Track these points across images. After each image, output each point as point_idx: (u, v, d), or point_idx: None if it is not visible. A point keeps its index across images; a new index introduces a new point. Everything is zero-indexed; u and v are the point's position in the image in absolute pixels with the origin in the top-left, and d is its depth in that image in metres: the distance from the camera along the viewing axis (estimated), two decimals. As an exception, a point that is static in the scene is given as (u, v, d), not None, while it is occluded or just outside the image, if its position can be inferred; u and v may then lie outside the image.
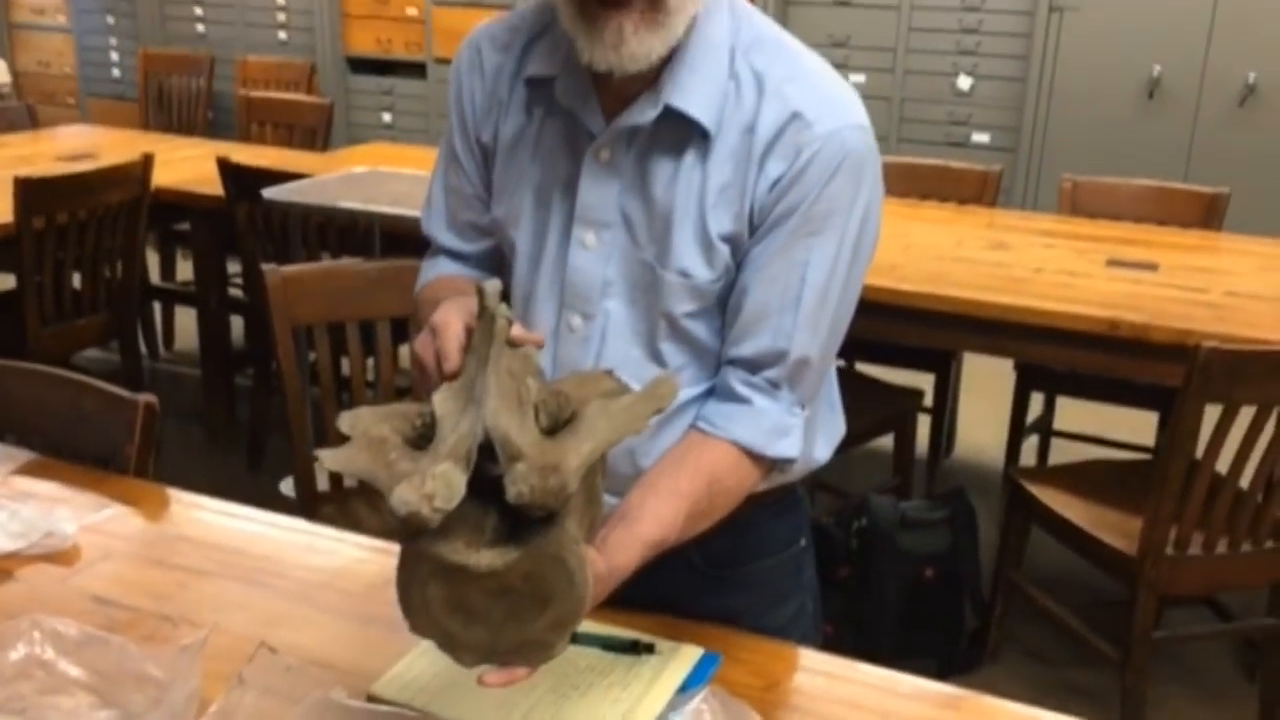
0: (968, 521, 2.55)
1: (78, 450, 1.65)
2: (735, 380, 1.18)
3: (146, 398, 1.61)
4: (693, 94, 1.13)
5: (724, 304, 1.19)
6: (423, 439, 0.92)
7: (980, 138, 4.48)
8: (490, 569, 0.87)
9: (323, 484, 2.30)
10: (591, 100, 1.17)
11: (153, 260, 4.31)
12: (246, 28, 5.67)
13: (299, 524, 1.49)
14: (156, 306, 4.34)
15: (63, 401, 1.68)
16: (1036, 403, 3.38)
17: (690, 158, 1.15)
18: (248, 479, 3.42)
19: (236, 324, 3.86)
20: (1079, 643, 2.41)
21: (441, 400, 0.93)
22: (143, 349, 3.93)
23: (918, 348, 3.25)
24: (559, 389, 0.97)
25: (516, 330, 0.97)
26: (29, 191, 2.91)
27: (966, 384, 3.70)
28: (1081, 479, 2.48)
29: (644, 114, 1.14)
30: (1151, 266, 2.74)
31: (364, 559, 1.40)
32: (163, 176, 3.35)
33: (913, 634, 2.49)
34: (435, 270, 1.36)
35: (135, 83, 5.79)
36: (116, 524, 1.47)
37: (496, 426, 0.88)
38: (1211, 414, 2.05)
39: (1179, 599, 2.53)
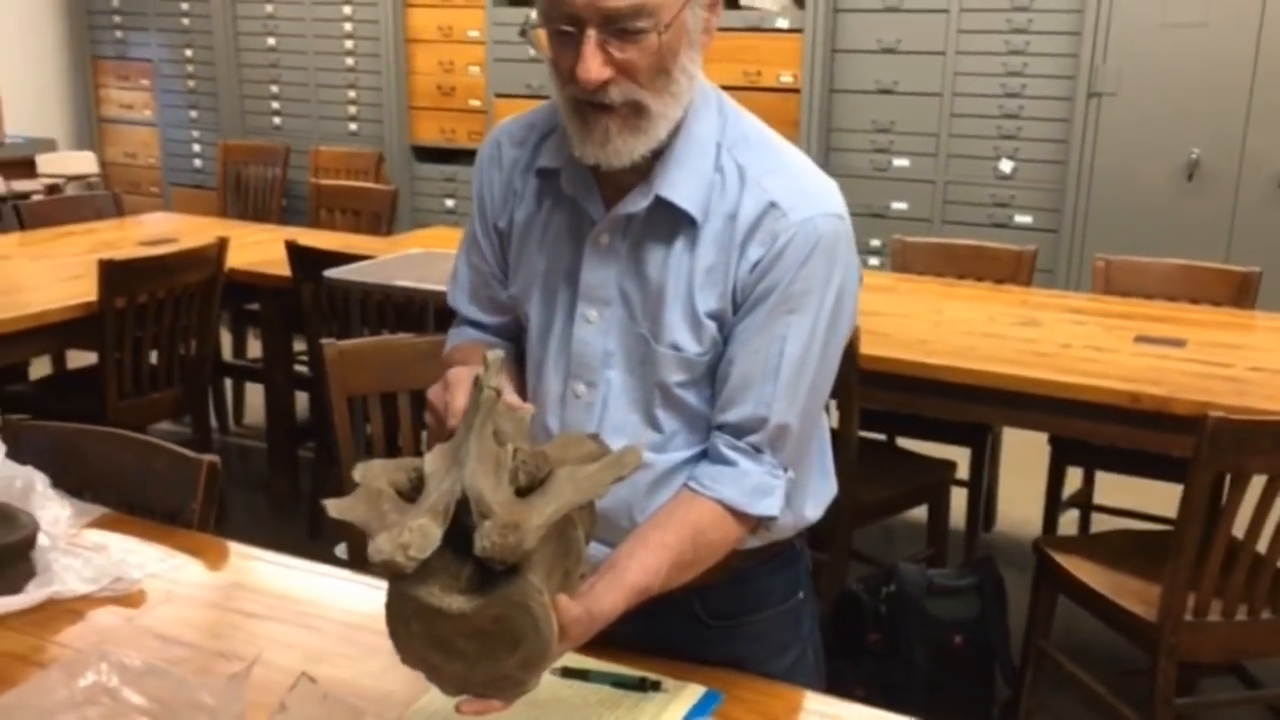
0: (996, 589, 2.60)
1: (148, 506, 1.80)
2: (722, 444, 1.30)
3: (210, 458, 1.76)
4: (680, 186, 1.27)
5: (713, 375, 1.31)
6: (415, 492, 1.06)
7: (1023, 219, 4.57)
8: (461, 612, 1.00)
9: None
10: (593, 190, 1.31)
11: (226, 339, 4.54)
12: (320, 120, 5.97)
13: (343, 572, 1.62)
14: (228, 382, 4.55)
15: (135, 461, 1.84)
16: (1077, 478, 3.43)
17: (680, 243, 1.29)
18: (308, 545, 3.57)
19: (302, 399, 4.05)
20: (1109, 712, 2.44)
21: (431, 459, 1.07)
22: (214, 423, 4.13)
23: (955, 423, 3.34)
24: (542, 451, 1.09)
25: (510, 397, 1.09)
26: (112, 273, 3.12)
27: (1008, 461, 3.75)
28: (1106, 548, 2.54)
29: (637, 203, 1.28)
30: (1179, 343, 2.80)
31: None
32: (236, 259, 3.56)
33: (943, 699, 2.54)
34: (461, 337, 1.50)
35: (215, 172, 6.11)
36: (179, 571, 1.61)
37: (473, 486, 1.01)
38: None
39: (1202, 666, 2.55)
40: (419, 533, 0.98)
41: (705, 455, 1.33)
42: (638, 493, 1.33)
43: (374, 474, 1.08)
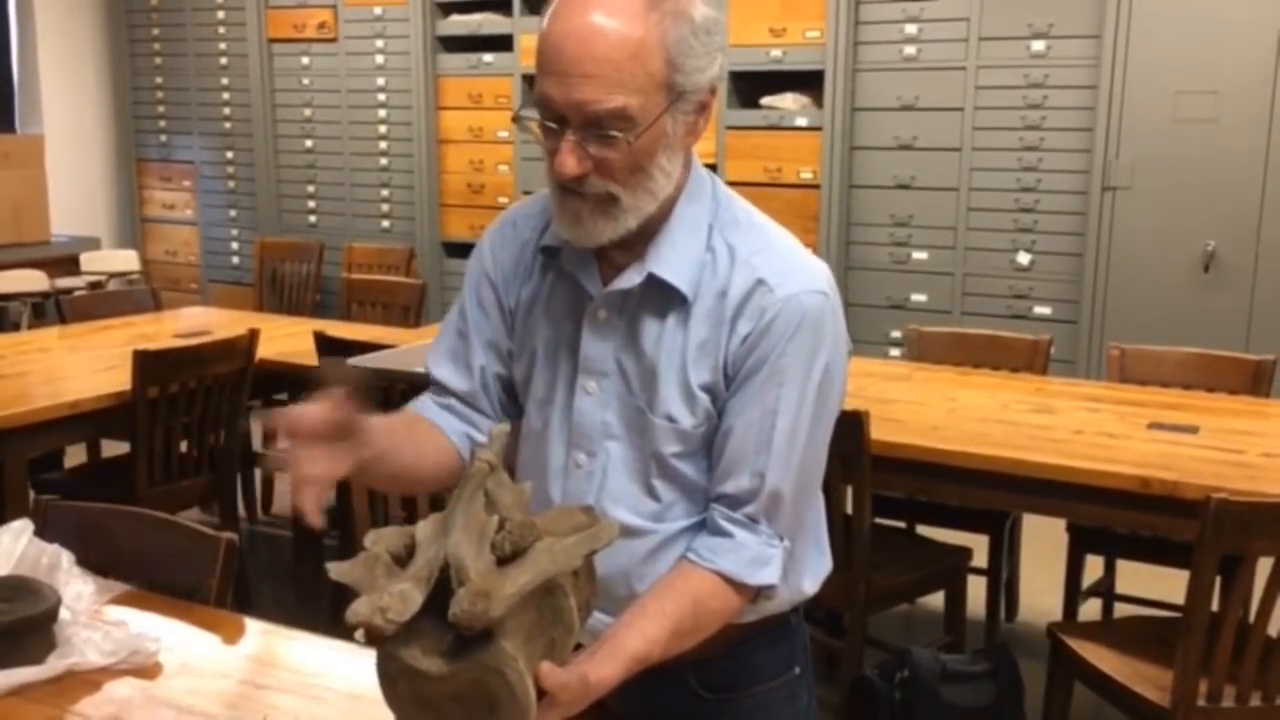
0: (1011, 675, 2.59)
1: (168, 583, 1.86)
2: (719, 516, 1.35)
3: (228, 535, 1.82)
4: (673, 264, 1.34)
5: (709, 448, 1.36)
6: (409, 558, 1.11)
7: (1042, 310, 4.62)
8: (439, 674, 1.06)
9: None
10: (591, 268, 1.38)
11: (256, 429, 4.61)
12: (354, 218, 6.15)
13: (351, 646, 1.66)
14: (257, 472, 4.62)
15: (157, 540, 1.90)
16: (1100, 567, 3.42)
17: (673, 319, 1.35)
18: (331, 631, 3.59)
19: (328, 488, 4.10)
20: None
21: (424, 528, 1.13)
22: (242, 511, 4.19)
23: (975, 511, 3.35)
24: (531, 522, 1.13)
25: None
26: (146, 363, 3.22)
27: (1032, 551, 3.74)
28: (1122, 633, 2.53)
29: (631, 280, 1.35)
30: (1192, 429, 2.82)
31: (406, 677, 1.55)
32: (267, 350, 3.65)
33: (960, 789, 2.52)
34: (414, 407, 1.50)
35: (252, 269, 6.28)
36: (194, 644, 1.66)
37: (454, 554, 1.06)
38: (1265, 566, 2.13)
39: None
40: (399, 597, 1.04)
41: (704, 525, 1.37)
42: (636, 560, 1.38)
43: (384, 540, 1.13)
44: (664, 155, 1.29)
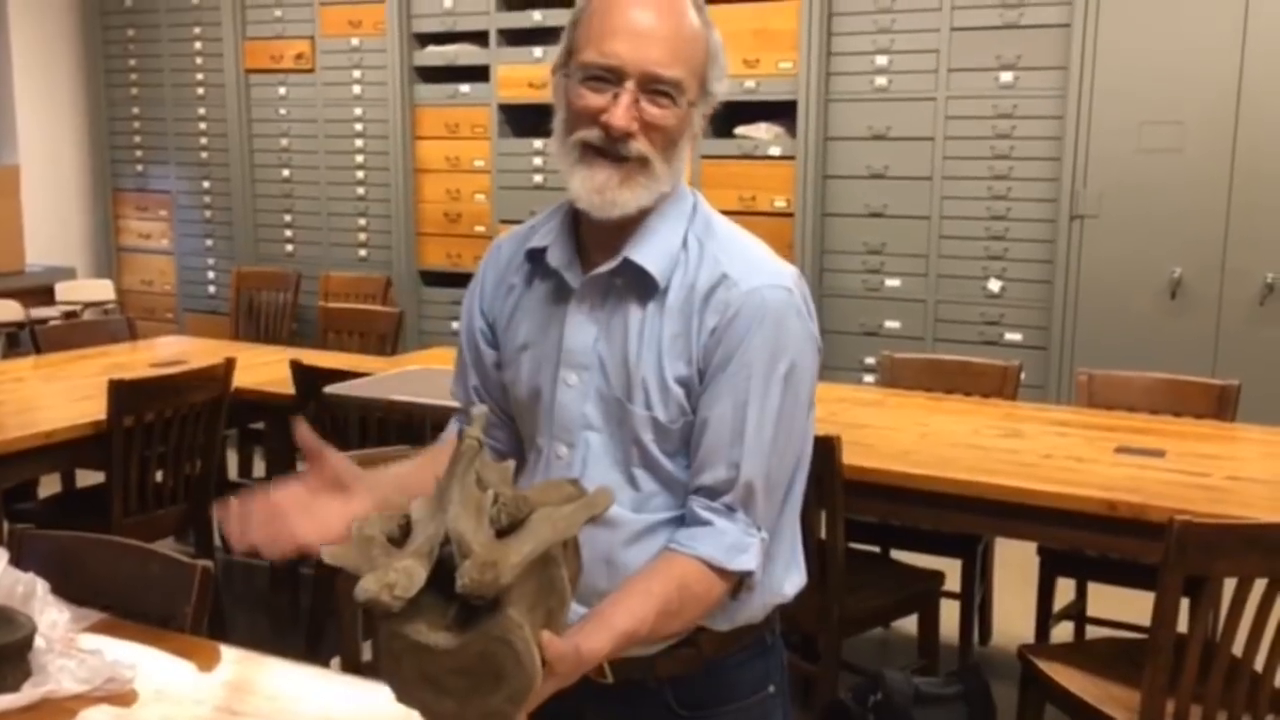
0: (983, 697, 2.62)
1: (144, 611, 1.87)
2: (698, 506, 1.39)
3: (204, 563, 1.83)
4: (647, 252, 1.40)
5: (687, 443, 1.41)
6: (404, 539, 1.13)
7: (1013, 336, 4.67)
8: (447, 648, 1.07)
9: (366, 655, 2.47)
10: (575, 263, 1.44)
11: (232, 459, 4.61)
12: (331, 247, 6.16)
13: (325, 672, 1.68)
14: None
15: (132, 568, 1.91)
16: (1072, 591, 3.46)
17: (650, 310, 1.41)
18: (307, 660, 3.58)
19: (305, 517, 4.09)
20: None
21: (418, 506, 1.15)
22: (218, 541, 4.18)
23: (948, 535, 3.39)
24: (523, 494, 1.16)
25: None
26: (121, 392, 3.22)
27: (1005, 576, 3.77)
28: (1092, 655, 2.56)
29: (607, 266, 1.41)
30: (1159, 453, 2.86)
31: (373, 697, 1.56)
32: (243, 379, 3.66)
33: (933, 812, 2.54)
34: (449, 433, 1.59)
35: (228, 298, 6.28)
36: (169, 671, 1.67)
37: (455, 529, 1.08)
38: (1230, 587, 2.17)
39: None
40: (404, 573, 1.06)
41: (683, 520, 1.41)
42: (615, 546, 1.41)
43: (370, 525, 1.15)
44: (685, 141, 1.40)
